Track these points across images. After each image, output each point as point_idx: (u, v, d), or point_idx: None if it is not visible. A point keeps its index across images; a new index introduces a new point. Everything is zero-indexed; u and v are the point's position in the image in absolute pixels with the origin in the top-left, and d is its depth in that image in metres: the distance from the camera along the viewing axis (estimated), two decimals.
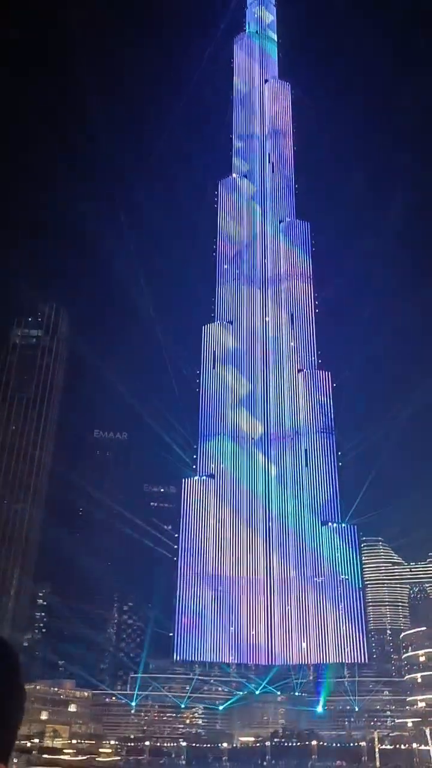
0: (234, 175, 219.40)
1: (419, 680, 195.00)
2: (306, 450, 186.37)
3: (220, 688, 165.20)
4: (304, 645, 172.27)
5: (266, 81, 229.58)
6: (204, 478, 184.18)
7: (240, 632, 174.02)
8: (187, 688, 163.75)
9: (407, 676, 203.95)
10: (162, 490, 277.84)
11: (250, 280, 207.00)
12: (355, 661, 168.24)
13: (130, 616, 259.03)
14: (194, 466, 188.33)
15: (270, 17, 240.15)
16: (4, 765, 2.91)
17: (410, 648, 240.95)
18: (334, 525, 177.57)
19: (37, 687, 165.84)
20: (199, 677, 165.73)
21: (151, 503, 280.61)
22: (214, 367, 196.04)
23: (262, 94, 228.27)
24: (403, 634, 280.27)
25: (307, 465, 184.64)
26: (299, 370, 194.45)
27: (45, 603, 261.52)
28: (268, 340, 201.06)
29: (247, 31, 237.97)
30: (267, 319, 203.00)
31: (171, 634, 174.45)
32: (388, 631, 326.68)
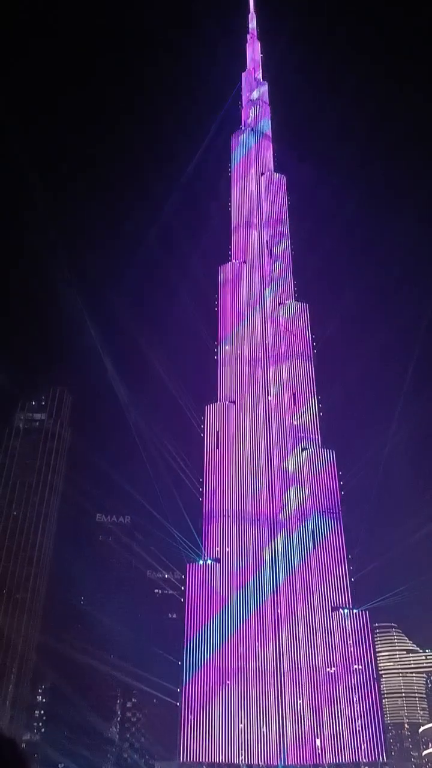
0: (233, 261, 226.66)
1: None
2: (313, 531, 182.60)
3: None
4: (318, 743, 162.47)
5: (263, 174, 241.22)
6: (209, 562, 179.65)
7: (250, 730, 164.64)
8: None
9: None
10: (166, 576, 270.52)
11: (252, 361, 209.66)
12: (373, 759, 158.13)
13: (134, 714, 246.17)
14: (199, 551, 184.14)
15: (264, 116, 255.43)
16: None
17: (430, 744, 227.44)
18: (345, 611, 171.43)
19: None
20: None
21: (155, 590, 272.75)
22: (217, 448, 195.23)
23: (258, 186, 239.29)
24: (422, 729, 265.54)
25: (314, 547, 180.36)
26: (303, 449, 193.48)
27: (44, 700, 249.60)
28: (270, 419, 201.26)
29: (243, 128, 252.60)
30: (269, 398, 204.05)
31: (176, 734, 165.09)
32: (406, 725, 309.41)
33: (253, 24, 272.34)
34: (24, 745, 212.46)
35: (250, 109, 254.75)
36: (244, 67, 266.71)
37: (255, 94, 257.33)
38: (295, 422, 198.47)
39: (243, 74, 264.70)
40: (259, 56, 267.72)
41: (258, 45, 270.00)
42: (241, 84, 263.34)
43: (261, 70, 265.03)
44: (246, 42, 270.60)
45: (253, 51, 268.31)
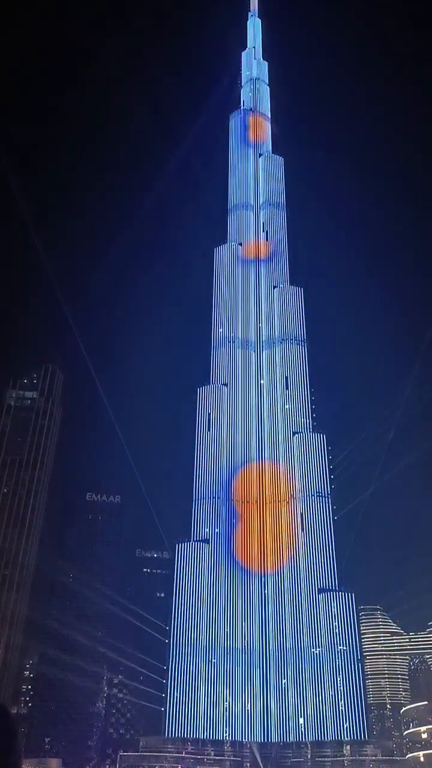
0: (229, 242, 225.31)
1: (422, 759, 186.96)
2: (301, 514, 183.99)
3: (214, 767, 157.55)
4: (301, 721, 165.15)
5: (260, 155, 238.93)
6: (198, 543, 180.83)
7: (234, 707, 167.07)
8: (179, 767, 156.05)
9: (409, 755, 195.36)
10: (155, 555, 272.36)
11: (245, 344, 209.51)
12: (355, 738, 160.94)
13: (120, 690, 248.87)
14: (188, 531, 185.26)
15: (264, 95, 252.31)
16: None
17: (411, 724, 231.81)
18: (331, 593, 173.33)
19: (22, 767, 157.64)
20: (192, 755, 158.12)
21: (144, 569, 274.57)
22: (209, 430, 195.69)
23: (256, 167, 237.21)
24: (403, 709, 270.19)
25: (302, 530, 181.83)
26: (294, 433, 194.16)
27: (32, 675, 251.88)
28: (262, 402, 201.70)
29: (242, 108, 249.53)
30: (262, 381, 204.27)
31: (162, 709, 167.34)
32: (388, 706, 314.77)
33: (254, 2, 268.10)
34: None
35: (250, 88, 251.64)
36: (244, 45, 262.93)
37: (255, 73, 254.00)
38: (287, 406, 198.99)
39: (243, 53, 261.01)
40: (260, 35, 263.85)
41: (259, 23, 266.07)
42: (240, 63, 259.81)
43: (261, 49, 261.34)
44: (247, 20, 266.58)
45: (254, 29, 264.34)
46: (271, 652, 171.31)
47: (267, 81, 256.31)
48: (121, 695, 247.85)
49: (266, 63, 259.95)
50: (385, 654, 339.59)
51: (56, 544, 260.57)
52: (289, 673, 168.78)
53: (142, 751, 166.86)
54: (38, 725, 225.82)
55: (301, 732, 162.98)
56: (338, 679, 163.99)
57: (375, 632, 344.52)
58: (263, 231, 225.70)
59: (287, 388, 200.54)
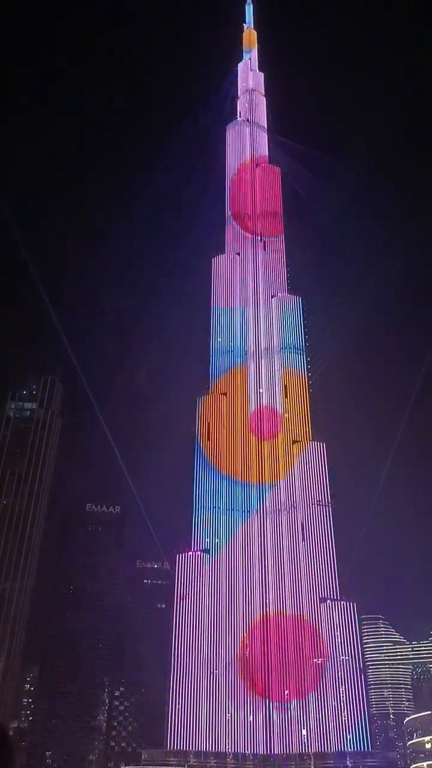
0: (227, 252, 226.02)
1: None
2: (302, 523, 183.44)
3: None
4: (304, 732, 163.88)
5: (257, 165, 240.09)
6: (198, 553, 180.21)
7: (236, 719, 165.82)
8: None
9: (413, 765, 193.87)
10: (156, 566, 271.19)
11: (244, 353, 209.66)
12: (358, 749, 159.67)
13: (122, 702, 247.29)
14: (189, 541, 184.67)
15: (260, 106, 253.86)
16: None
17: (415, 734, 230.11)
18: (333, 602, 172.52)
19: None
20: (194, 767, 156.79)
21: (144, 580, 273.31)
22: (208, 439, 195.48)
23: (253, 177, 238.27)
24: (407, 719, 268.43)
25: (303, 539, 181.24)
26: (294, 442, 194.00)
27: (32, 688, 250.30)
28: (262, 411, 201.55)
29: (238, 119, 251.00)
30: (261, 390, 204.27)
31: (164, 721, 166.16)
32: (391, 716, 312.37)
33: (250, 13, 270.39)
34: (11, 733, 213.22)
35: (246, 99, 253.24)
36: (240, 57, 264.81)
37: (251, 84, 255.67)
38: (286, 414, 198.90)
39: (240, 64, 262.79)
40: (255, 46, 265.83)
41: (255, 35, 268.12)
42: (237, 74, 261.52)
43: (258, 61, 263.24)
44: (242, 32, 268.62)
45: (250, 41, 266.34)
46: (273, 663, 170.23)
47: (263, 92, 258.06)
48: (122, 708, 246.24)
49: (262, 74, 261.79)
50: (387, 663, 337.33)
51: (56, 555, 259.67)
52: (291, 684, 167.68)
53: (144, 764, 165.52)
54: (39, 739, 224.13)
55: (303, 743, 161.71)
56: (341, 689, 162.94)
57: (377, 642, 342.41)
58: (261, 241, 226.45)
59: (286, 397, 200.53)
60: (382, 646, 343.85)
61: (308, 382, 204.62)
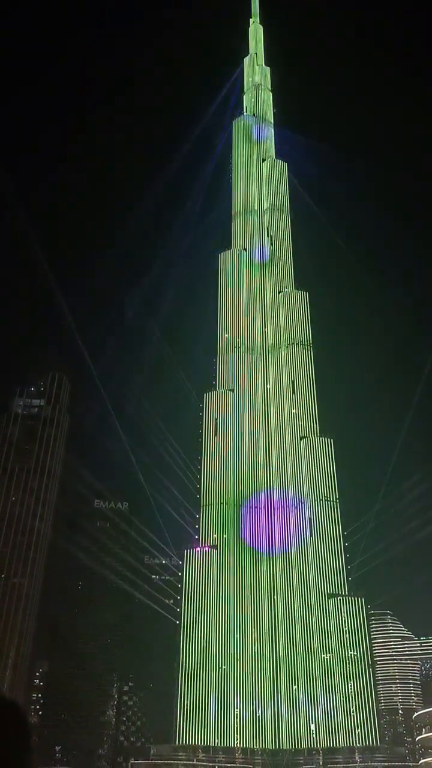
0: (233, 248, 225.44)
1: None
2: (310, 519, 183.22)
3: None
4: (312, 727, 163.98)
5: (263, 160, 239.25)
6: (206, 549, 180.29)
7: (245, 714, 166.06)
8: None
9: (422, 761, 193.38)
10: (164, 562, 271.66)
11: (251, 349, 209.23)
12: (367, 744, 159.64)
13: (131, 697, 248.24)
14: (196, 537, 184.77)
15: (266, 101, 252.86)
16: None
17: (424, 729, 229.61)
18: (341, 598, 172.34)
19: None
20: (203, 763, 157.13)
21: (153, 576, 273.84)
22: (215, 435, 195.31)
23: (259, 172, 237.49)
24: (416, 714, 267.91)
25: (311, 534, 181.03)
26: (301, 437, 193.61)
27: (42, 684, 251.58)
28: (269, 407, 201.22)
29: (244, 114, 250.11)
30: (268, 386, 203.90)
31: (173, 717, 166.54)
32: (400, 711, 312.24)
33: (255, 8, 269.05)
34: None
35: (252, 94, 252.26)
36: (246, 51, 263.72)
37: (257, 79, 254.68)
38: (293, 410, 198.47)
39: (245, 59, 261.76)
40: (262, 40, 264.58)
41: (261, 29, 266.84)
42: (243, 68, 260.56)
43: (264, 55, 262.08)
44: (248, 26, 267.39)
45: (256, 35, 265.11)
46: (281, 658, 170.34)
47: (269, 87, 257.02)
48: (131, 703, 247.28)
49: (268, 69, 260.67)
50: (396, 659, 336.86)
51: (64, 552, 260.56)
52: (300, 679, 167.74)
53: (153, 759, 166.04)
54: (48, 734, 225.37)
55: (312, 739, 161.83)
56: (349, 684, 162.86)
57: (386, 637, 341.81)
58: (267, 236, 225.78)
59: (294, 393, 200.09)
60: (391, 641, 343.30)
61: (315, 377, 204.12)
